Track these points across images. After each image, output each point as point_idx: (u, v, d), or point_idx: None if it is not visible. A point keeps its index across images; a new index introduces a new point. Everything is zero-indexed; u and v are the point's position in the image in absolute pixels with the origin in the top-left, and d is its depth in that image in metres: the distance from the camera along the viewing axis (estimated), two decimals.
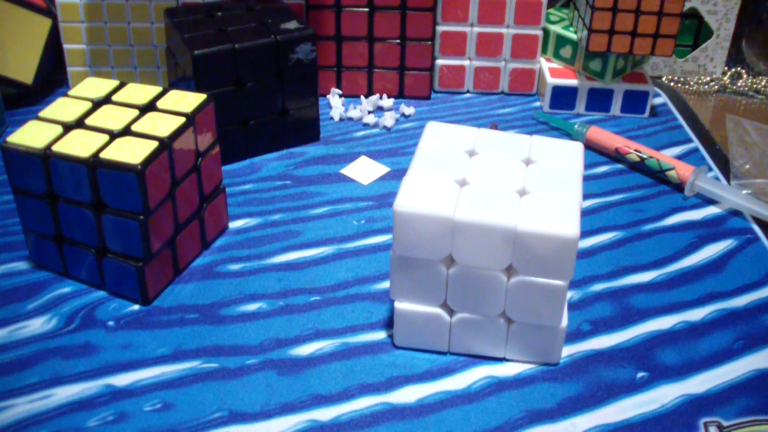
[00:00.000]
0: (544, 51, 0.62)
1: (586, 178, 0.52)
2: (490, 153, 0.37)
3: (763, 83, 0.69)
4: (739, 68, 0.70)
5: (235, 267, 0.43)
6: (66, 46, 0.59)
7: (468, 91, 0.63)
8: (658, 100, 0.62)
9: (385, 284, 0.42)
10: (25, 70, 0.58)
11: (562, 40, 0.60)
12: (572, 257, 0.33)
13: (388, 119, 0.57)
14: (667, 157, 0.51)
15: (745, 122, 0.59)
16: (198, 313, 0.39)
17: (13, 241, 0.44)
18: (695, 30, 0.68)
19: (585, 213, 0.48)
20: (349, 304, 0.40)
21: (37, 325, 0.39)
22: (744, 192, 0.49)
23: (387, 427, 0.33)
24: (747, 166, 0.53)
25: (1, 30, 0.56)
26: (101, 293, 0.41)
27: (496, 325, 0.36)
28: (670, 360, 0.37)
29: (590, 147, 0.55)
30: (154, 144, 0.38)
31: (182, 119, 0.40)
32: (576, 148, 0.38)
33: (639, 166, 0.52)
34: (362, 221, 0.47)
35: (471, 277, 0.34)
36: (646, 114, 0.59)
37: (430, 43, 0.59)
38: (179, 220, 0.41)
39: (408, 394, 0.35)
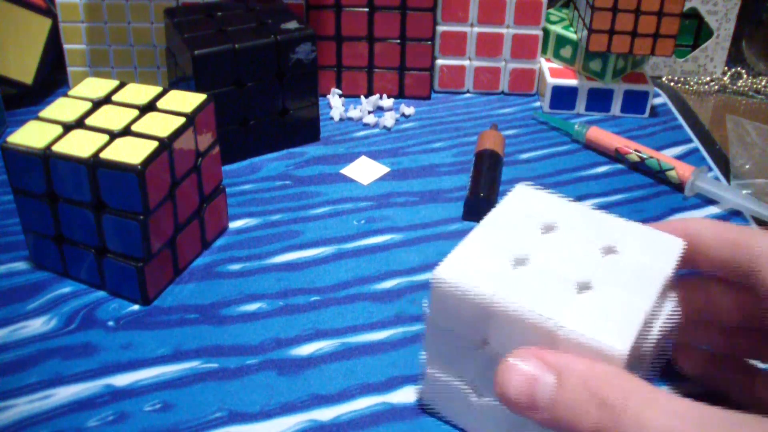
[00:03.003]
0: (544, 51, 0.62)
1: (586, 179, 0.52)
2: (570, 232, 0.32)
3: (763, 83, 0.69)
4: (739, 68, 0.70)
5: (235, 267, 0.43)
6: (66, 46, 0.59)
7: (468, 91, 0.63)
8: (658, 100, 0.62)
9: (385, 284, 0.42)
10: (25, 70, 0.58)
11: (562, 40, 0.60)
12: None
13: (388, 119, 0.57)
14: (667, 157, 0.51)
15: (745, 122, 0.59)
16: (198, 313, 0.39)
17: (13, 241, 0.44)
18: (695, 30, 0.68)
19: None
20: (349, 304, 0.40)
21: (37, 325, 0.39)
22: (744, 192, 0.49)
23: (387, 427, 0.33)
24: (747, 166, 0.53)
25: (1, 30, 0.56)
26: (101, 293, 0.41)
27: (528, 422, 0.29)
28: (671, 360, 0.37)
29: (590, 147, 0.55)
30: (154, 144, 0.38)
31: (182, 119, 0.40)
32: (674, 247, 0.31)
33: (639, 166, 0.52)
34: (362, 221, 0.47)
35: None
36: (646, 114, 0.59)
37: (430, 43, 0.59)
38: (179, 220, 0.41)
39: (408, 394, 0.35)
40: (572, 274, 0.29)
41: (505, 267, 0.30)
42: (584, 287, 0.29)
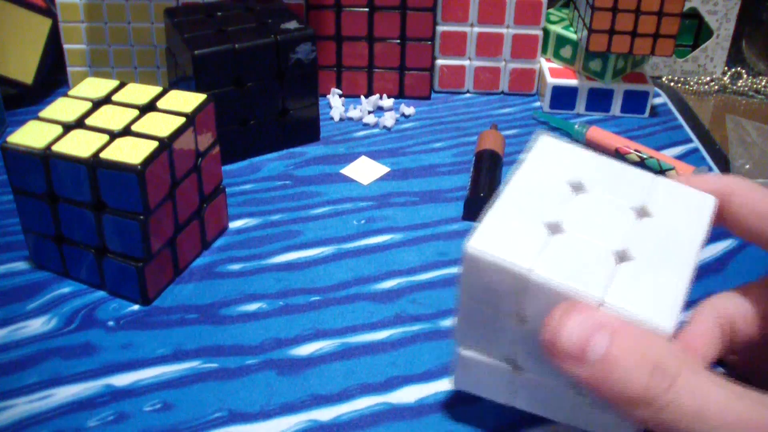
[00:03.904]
0: (544, 51, 0.62)
1: None
2: (600, 192, 0.30)
3: (763, 83, 0.69)
4: (739, 68, 0.70)
5: (235, 267, 0.43)
6: (66, 46, 0.59)
7: (468, 91, 0.63)
8: (658, 100, 0.62)
9: (385, 284, 0.42)
10: (25, 70, 0.58)
11: (562, 40, 0.60)
12: None
13: (388, 119, 0.57)
14: (667, 157, 0.51)
15: (745, 122, 0.59)
16: (198, 313, 0.39)
17: (13, 241, 0.44)
18: (695, 30, 0.68)
19: None
20: (349, 304, 0.40)
21: (37, 325, 0.39)
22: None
23: (387, 427, 0.33)
24: (747, 166, 0.53)
25: (1, 30, 0.56)
26: (101, 293, 0.41)
27: (566, 394, 0.29)
28: None
29: (590, 147, 0.55)
30: (154, 144, 0.38)
31: (182, 119, 0.40)
32: (706, 205, 0.30)
33: (639, 166, 0.52)
34: (362, 221, 0.47)
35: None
36: (646, 114, 0.59)
37: (430, 43, 0.59)
38: (179, 220, 0.41)
39: (408, 394, 0.35)
40: (609, 242, 0.28)
41: (540, 236, 0.28)
42: (623, 257, 0.28)
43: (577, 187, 0.31)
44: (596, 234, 0.29)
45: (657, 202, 0.30)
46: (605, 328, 0.25)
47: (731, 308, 0.31)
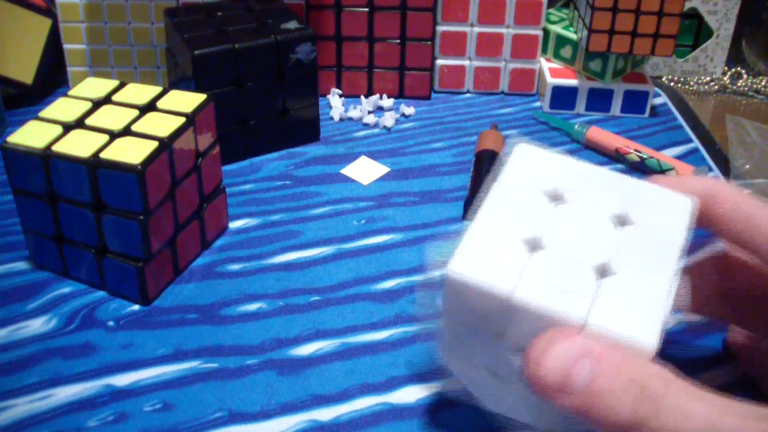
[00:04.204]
0: (544, 51, 0.62)
1: None
2: (579, 202, 0.30)
3: (763, 83, 0.69)
4: (739, 68, 0.70)
5: (235, 267, 0.43)
6: (66, 46, 0.59)
7: (468, 91, 0.63)
8: (658, 100, 0.62)
9: (385, 284, 0.42)
10: (25, 70, 0.58)
11: (562, 40, 0.60)
12: None
13: (388, 119, 0.57)
14: (667, 157, 0.51)
15: (745, 122, 0.59)
16: (198, 313, 0.39)
17: (13, 241, 0.44)
18: (695, 30, 0.68)
19: None
20: (349, 304, 0.40)
21: (37, 325, 0.39)
22: (744, 192, 0.49)
23: (387, 427, 0.33)
24: (747, 166, 0.53)
25: (1, 30, 0.56)
26: (101, 293, 0.41)
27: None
28: (671, 359, 0.37)
29: (590, 147, 0.55)
30: (154, 144, 0.38)
31: (182, 119, 0.40)
32: (687, 206, 0.30)
33: (639, 166, 0.52)
34: (362, 221, 0.47)
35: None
36: (646, 114, 0.59)
37: (430, 43, 0.59)
38: (179, 220, 0.41)
39: (408, 394, 0.35)
40: (590, 256, 0.28)
41: (520, 254, 0.28)
42: (605, 272, 0.28)
43: (556, 198, 0.31)
44: (577, 248, 0.28)
45: (637, 208, 0.30)
46: (588, 355, 0.25)
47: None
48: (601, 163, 0.53)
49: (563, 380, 0.25)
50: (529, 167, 0.32)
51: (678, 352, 0.37)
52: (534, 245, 0.29)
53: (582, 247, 0.28)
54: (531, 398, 0.28)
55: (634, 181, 0.31)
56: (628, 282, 0.27)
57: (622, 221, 0.30)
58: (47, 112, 0.40)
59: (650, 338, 0.25)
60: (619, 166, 0.53)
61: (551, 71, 0.60)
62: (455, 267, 0.28)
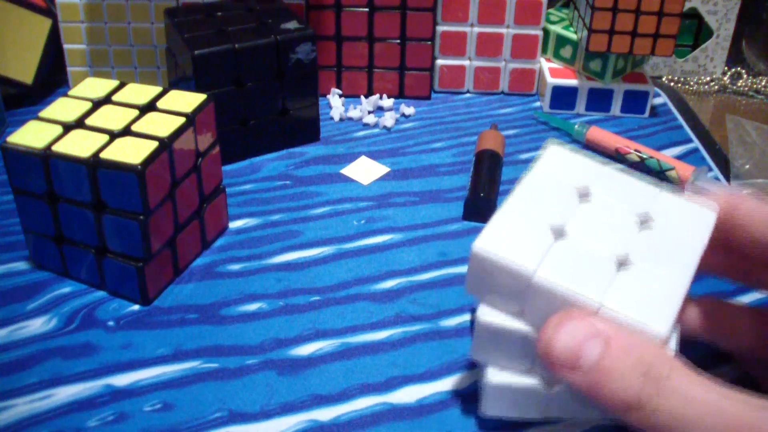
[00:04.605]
0: (544, 51, 0.62)
1: None
2: (605, 200, 0.31)
3: (763, 83, 0.69)
4: (739, 68, 0.70)
5: (235, 267, 0.43)
6: (66, 46, 0.59)
7: (468, 91, 0.63)
8: (658, 100, 0.62)
9: (385, 284, 0.42)
10: (25, 70, 0.58)
11: (562, 40, 0.60)
12: None
13: (388, 119, 0.57)
14: (667, 157, 0.51)
15: (745, 122, 0.59)
16: (198, 313, 0.39)
17: (13, 241, 0.44)
18: (695, 30, 0.68)
19: None
20: (349, 304, 0.40)
21: (37, 325, 0.39)
22: (744, 192, 0.49)
23: (387, 427, 0.33)
24: (747, 166, 0.53)
25: (1, 30, 0.56)
26: (101, 293, 0.41)
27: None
28: None
29: (590, 147, 0.55)
30: (154, 144, 0.38)
31: (182, 119, 0.40)
32: (707, 217, 0.31)
33: (639, 166, 0.52)
34: (362, 221, 0.47)
35: None
36: (646, 114, 0.59)
37: (430, 43, 0.59)
38: (179, 220, 0.41)
39: (408, 394, 0.35)
40: (611, 248, 0.29)
41: (545, 239, 0.29)
42: (623, 263, 0.29)
43: (583, 194, 0.32)
44: (599, 240, 0.29)
45: (660, 212, 0.31)
46: (598, 336, 0.26)
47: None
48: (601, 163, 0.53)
49: (573, 357, 0.26)
50: (559, 166, 0.33)
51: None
52: (558, 233, 0.30)
53: (603, 240, 0.29)
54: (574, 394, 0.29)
55: (660, 189, 0.32)
56: (644, 274, 0.28)
57: (645, 221, 0.31)
58: (47, 112, 0.40)
59: (661, 325, 0.26)
60: (619, 166, 0.53)
61: (551, 71, 0.60)
62: (481, 244, 0.29)
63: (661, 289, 0.28)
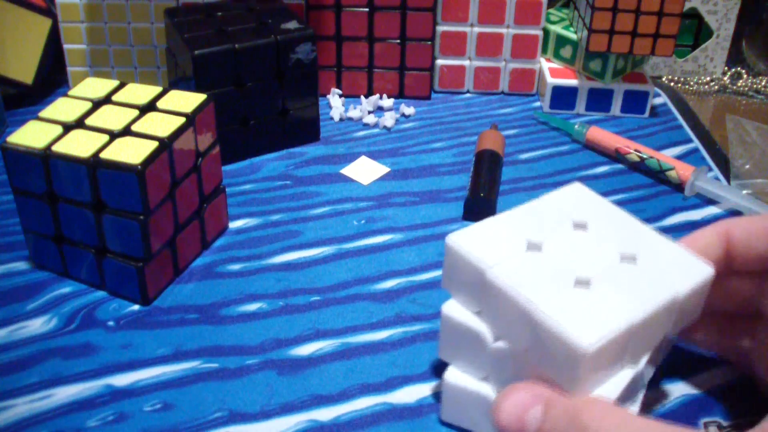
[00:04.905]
0: (544, 51, 0.62)
1: (586, 179, 0.52)
2: (597, 234, 0.31)
3: (763, 83, 0.69)
4: (739, 68, 0.70)
5: (235, 267, 0.43)
6: (66, 46, 0.59)
7: (468, 91, 0.63)
8: (658, 100, 0.62)
9: (385, 284, 0.42)
10: (25, 70, 0.58)
11: (562, 40, 0.60)
12: (576, 371, 0.27)
13: (388, 119, 0.57)
14: (667, 157, 0.51)
15: (745, 122, 0.59)
16: (198, 313, 0.39)
17: (13, 241, 0.44)
18: (695, 30, 0.68)
19: None
20: (349, 304, 0.40)
21: (37, 325, 0.39)
22: (744, 192, 0.49)
23: (387, 427, 0.33)
24: (747, 166, 0.53)
25: (1, 30, 0.56)
26: (101, 293, 0.41)
27: None
28: (671, 359, 0.37)
29: (590, 147, 0.55)
30: (154, 144, 0.38)
31: (182, 119, 0.40)
32: (700, 272, 0.30)
33: (639, 166, 0.52)
34: (362, 221, 0.47)
35: (507, 357, 0.30)
36: (646, 114, 0.59)
37: (430, 43, 0.59)
38: (179, 220, 0.41)
39: (408, 394, 0.35)
40: (577, 269, 0.29)
41: (517, 248, 0.30)
42: (582, 283, 0.29)
43: (579, 226, 0.32)
44: (570, 260, 0.30)
45: (651, 255, 0.31)
46: (540, 401, 0.28)
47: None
48: (601, 163, 0.53)
49: (518, 424, 0.28)
50: (571, 199, 0.34)
51: (677, 352, 0.37)
52: (533, 246, 0.30)
53: (574, 261, 0.30)
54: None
55: (664, 238, 0.32)
56: (598, 296, 0.28)
57: (628, 259, 0.30)
58: (47, 112, 0.40)
59: (586, 338, 0.26)
60: (619, 166, 0.53)
61: (551, 71, 0.60)
62: (454, 237, 0.31)
63: (607, 311, 0.27)
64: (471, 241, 0.30)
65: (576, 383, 0.27)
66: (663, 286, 0.29)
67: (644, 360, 0.29)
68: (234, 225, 0.46)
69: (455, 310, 0.31)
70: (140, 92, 0.42)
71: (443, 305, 0.32)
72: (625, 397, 0.29)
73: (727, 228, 0.32)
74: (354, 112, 0.58)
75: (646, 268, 0.30)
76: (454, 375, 0.32)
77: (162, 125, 0.39)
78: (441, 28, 0.60)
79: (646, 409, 0.34)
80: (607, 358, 0.27)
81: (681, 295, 0.29)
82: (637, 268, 0.30)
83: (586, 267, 0.30)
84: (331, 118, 0.58)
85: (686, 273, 0.30)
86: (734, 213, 0.48)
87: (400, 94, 0.61)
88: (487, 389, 0.31)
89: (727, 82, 0.70)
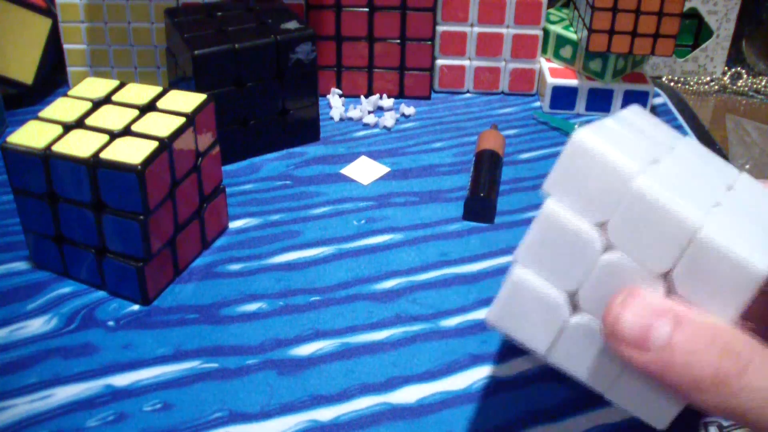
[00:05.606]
0: (544, 51, 0.62)
1: None
2: (692, 157, 0.29)
3: (763, 83, 0.69)
4: (739, 68, 0.70)
5: (235, 267, 0.43)
6: (66, 46, 0.59)
7: (468, 91, 0.63)
8: (658, 100, 0.62)
9: (385, 284, 0.42)
10: (25, 70, 0.58)
11: (562, 40, 0.60)
12: (744, 297, 0.24)
13: (388, 119, 0.57)
14: None
15: (745, 122, 0.59)
16: (198, 313, 0.39)
17: (13, 241, 0.44)
18: (695, 30, 0.68)
19: None
20: (349, 304, 0.40)
21: (37, 325, 0.39)
22: None
23: (387, 427, 0.33)
24: (747, 166, 0.53)
25: (1, 30, 0.56)
26: (101, 293, 0.41)
27: (614, 360, 0.27)
28: None
29: None
30: (154, 144, 0.38)
31: (182, 119, 0.40)
32: None
33: None
34: (362, 221, 0.47)
35: (621, 274, 0.26)
36: None
37: (430, 43, 0.59)
38: (179, 220, 0.41)
39: (408, 394, 0.35)
40: (706, 189, 0.26)
41: (644, 157, 0.26)
42: (719, 205, 0.26)
43: (670, 147, 0.29)
44: (694, 176, 0.27)
45: (744, 187, 0.28)
46: (668, 315, 0.24)
47: None
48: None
49: (642, 336, 0.24)
50: (644, 118, 0.31)
51: None
52: (654, 161, 0.27)
53: (698, 176, 0.27)
54: (593, 347, 0.27)
55: (740, 173, 0.30)
56: (742, 215, 0.26)
57: (730, 188, 0.28)
58: (47, 112, 0.40)
59: (762, 263, 0.24)
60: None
61: (551, 71, 0.60)
62: (585, 135, 0.25)
63: (758, 235, 0.25)
64: (606, 142, 0.25)
65: (738, 310, 0.24)
66: None
67: None
68: (234, 225, 0.46)
69: (563, 210, 0.26)
70: (140, 92, 0.42)
71: (547, 201, 0.26)
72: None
73: None
74: (354, 112, 0.58)
75: (753, 196, 0.28)
76: (527, 274, 0.27)
77: (162, 125, 0.39)
78: (441, 28, 0.60)
79: None
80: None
81: None
82: (747, 194, 0.28)
83: (711, 189, 0.26)
84: (331, 118, 0.58)
85: None
86: None
87: (400, 94, 0.61)
88: (562, 300, 0.27)
89: (727, 82, 0.70)
